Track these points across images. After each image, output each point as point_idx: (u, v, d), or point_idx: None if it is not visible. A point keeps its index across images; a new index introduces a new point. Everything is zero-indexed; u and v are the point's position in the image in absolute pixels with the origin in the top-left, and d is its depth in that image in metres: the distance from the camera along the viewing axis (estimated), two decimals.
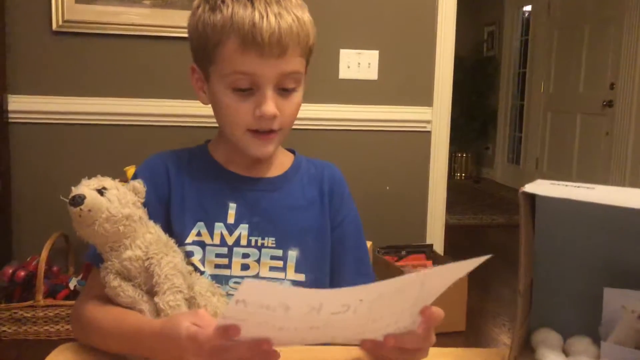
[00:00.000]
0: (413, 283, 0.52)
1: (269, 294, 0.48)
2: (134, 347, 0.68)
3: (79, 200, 0.67)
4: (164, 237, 0.75)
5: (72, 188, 0.69)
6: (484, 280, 2.88)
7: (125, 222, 0.70)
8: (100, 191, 0.69)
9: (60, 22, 2.08)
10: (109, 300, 0.73)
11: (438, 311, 0.59)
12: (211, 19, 0.76)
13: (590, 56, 4.38)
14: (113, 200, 0.70)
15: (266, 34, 0.73)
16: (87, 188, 0.69)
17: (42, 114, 2.13)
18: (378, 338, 0.57)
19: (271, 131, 0.79)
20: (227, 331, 0.52)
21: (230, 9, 0.75)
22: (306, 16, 0.79)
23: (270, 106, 0.76)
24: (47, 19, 2.08)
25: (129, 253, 0.71)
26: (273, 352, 0.54)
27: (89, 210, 0.68)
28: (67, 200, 0.68)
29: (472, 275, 2.49)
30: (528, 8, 5.57)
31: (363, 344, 0.59)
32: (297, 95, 0.81)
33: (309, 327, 0.52)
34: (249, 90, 0.77)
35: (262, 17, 0.73)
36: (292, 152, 0.92)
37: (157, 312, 0.69)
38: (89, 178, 0.72)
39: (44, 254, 1.94)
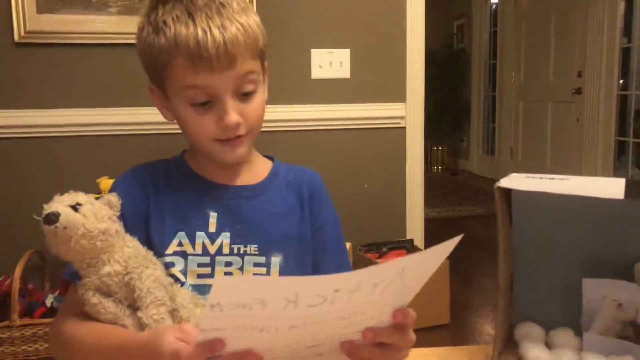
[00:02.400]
0: (391, 271, 0.50)
1: (242, 288, 0.46)
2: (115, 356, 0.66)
3: (53, 218, 0.65)
4: (143, 250, 0.74)
5: (44, 205, 0.67)
6: (466, 271, 2.91)
7: (102, 237, 0.68)
8: (75, 207, 0.67)
9: (22, 34, 2.02)
10: (88, 316, 0.71)
11: (411, 312, 0.57)
12: (156, 42, 0.75)
13: (558, 45, 4.45)
14: (88, 215, 0.68)
15: (212, 49, 0.72)
16: (60, 205, 0.67)
17: (8, 128, 2.07)
18: (359, 336, 0.56)
19: (238, 137, 0.79)
20: (213, 346, 0.50)
21: (172, 30, 0.74)
22: (251, 20, 0.77)
23: (232, 116, 0.76)
24: (8, 30, 2.02)
25: (107, 268, 0.69)
26: None
27: (65, 228, 0.66)
28: (41, 219, 0.66)
29: (454, 268, 2.49)
30: (495, 0, 5.64)
31: (342, 346, 0.57)
32: (259, 96, 0.80)
33: (290, 327, 0.50)
34: (209, 103, 0.76)
35: (206, 33, 0.73)
36: (271, 158, 0.92)
37: (141, 326, 0.68)
38: (61, 194, 0.70)
39: (18, 272, 1.89)
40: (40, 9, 2.03)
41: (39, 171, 2.09)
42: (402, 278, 0.52)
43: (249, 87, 0.78)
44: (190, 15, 0.74)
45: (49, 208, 0.66)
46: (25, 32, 2.02)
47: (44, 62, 2.08)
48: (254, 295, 0.46)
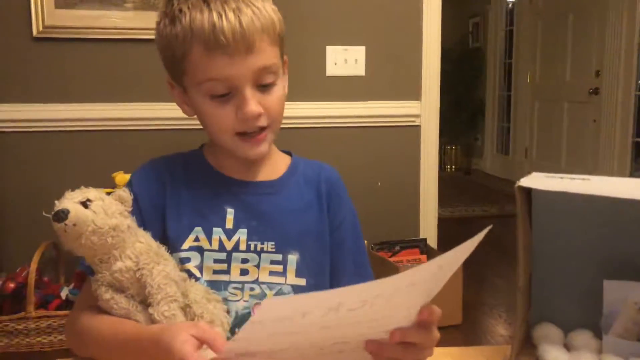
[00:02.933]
0: (429, 271, 0.51)
1: (289, 308, 0.47)
2: (134, 353, 0.66)
3: (62, 215, 0.65)
4: (155, 245, 0.73)
5: (56, 202, 0.67)
6: (478, 272, 2.89)
7: (113, 233, 0.68)
8: (85, 203, 0.67)
9: (40, 28, 2.04)
10: (104, 309, 0.71)
11: (437, 309, 0.57)
12: (172, 32, 0.74)
13: (575, 45, 4.39)
14: (98, 211, 0.67)
15: (228, 32, 0.71)
16: (70, 202, 0.67)
17: (26, 122, 2.09)
18: (385, 335, 0.56)
19: (260, 130, 0.78)
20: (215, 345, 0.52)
21: (188, 17, 0.73)
22: (267, 5, 0.76)
23: (252, 105, 0.75)
24: (27, 25, 2.04)
25: (119, 264, 0.69)
26: None
27: (74, 225, 0.65)
28: (51, 216, 0.66)
29: (467, 268, 2.48)
30: None
31: (368, 346, 0.57)
32: (279, 89, 0.79)
33: (320, 327, 0.51)
34: (227, 95, 0.75)
35: (221, 17, 0.72)
36: (289, 153, 0.91)
37: (153, 322, 0.68)
38: (77, 188, 0.70)
39: (34, 264, 1.91)
40: (59, 4, 2.05)
41: (55, 165, 2.11)
42: (436, 276, 0.52)
43: (269, 79, 0.76)
44: (205, 1, 0.73)
45: (59, 205, 0.66)
46: (44, 27, 2.04)
47: (61, 56, 2.09)
48: (298, 310, 0.47)
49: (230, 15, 0.72)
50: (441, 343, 0.64)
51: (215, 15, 0.72)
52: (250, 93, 0.75)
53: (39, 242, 1.99)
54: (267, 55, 0.75)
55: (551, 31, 4.72)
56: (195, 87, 0.77)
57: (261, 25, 0.73)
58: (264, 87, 0.76)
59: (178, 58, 0.76)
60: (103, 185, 1.77)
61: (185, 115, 0.84)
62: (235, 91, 0.75)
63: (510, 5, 5.64)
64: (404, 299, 0.51)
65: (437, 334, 0.59)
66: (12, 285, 1.95)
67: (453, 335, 2.22)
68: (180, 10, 0.74)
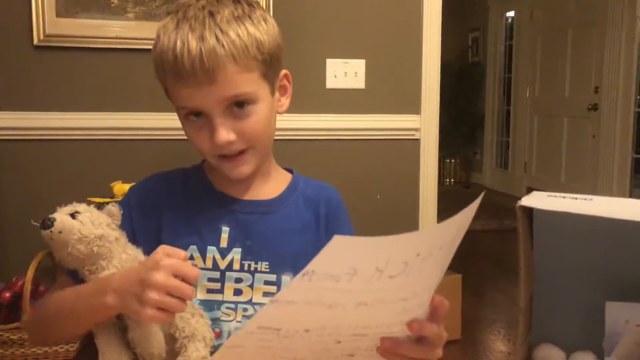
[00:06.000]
0: (450, 232, 0.52)
1: (344, 254, 0.47)
2: (74, 307, 0.68)
3: (48, 223, 0.67)
4: (142, 259, 0.73)
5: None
6: (478, 287, 2.87)
7: (99, 242, 0.69)
8: (73, 215, 0.69)
9: (41, 37, 2.04)
10: None
11: (445, 300, 0.58)
12: (153, 56, 0.74)
13: (575, 60, 4.41)
14: (85, 221, 0.69)
15: (188, 62, 0.68)
16: (59, 213, 0.70)
17: (26, 130, 2.08)
18: (401, 332, 0.56)
19: (239, 153, 0.76)
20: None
21: (160, 42, 0.72)
22: (244, 29, 0.70)
23: (221, 134, 0.72)
24: (28, 33, 2.04)
25: (105, 273, 0.70)
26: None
27: (60, 232, 0.67)
28: (38, 224, 0.69)
29: (466, 282, 2.44)
30: (511, 14, 5.62)
31: (383, 343, 0.56)
32: (258, 111, 0.74)
33: (357, 304, 0.51)
34: (203, 119, 0.74)
35: (183, 44, 0.68)
36: (290, 171, 0.89)
37: (132, 336, 0.69)
38: (75, 197, 0.73)
39: (30, 273, 1.89)
40: (60, 13, 2.05)
41: (54, 173, 2.10)
42: (452, 244, 0.53)
43: (242, 105, 0.73)
44: (177, 25, 0.70)
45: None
46: (45, 35, 2.04)
47: (62, 65, 2.09)
48: (350, 263, 0.47)
49: (192, 43, 0.68)
50: (440, 359, 0.63)
51: (178, 43, 0.69)
52: (219, 121, 0.72)
53: (36, 251, 1.98)
54: (236, 83, 0.71)
55: (551, 46, 4.75)
56: (176, 109, 0.77)
57: (225, 53, 0.69)
58: (240, 109, 0.73)
59: (161, 80, 0.76)
60: (102, 194, 1.76)
61: None
62: (207, 117, 0.73)
63: (510, 20, 5.67)
64: (432, 269, 0.52)
65: (445, 333, 0.59)
66: (7, 294, 1.93)
67: (452, 350, 2.20)
68: (158, 35, 0.73)
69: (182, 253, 0.62)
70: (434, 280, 0.54)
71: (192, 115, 0.73)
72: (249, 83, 0.72)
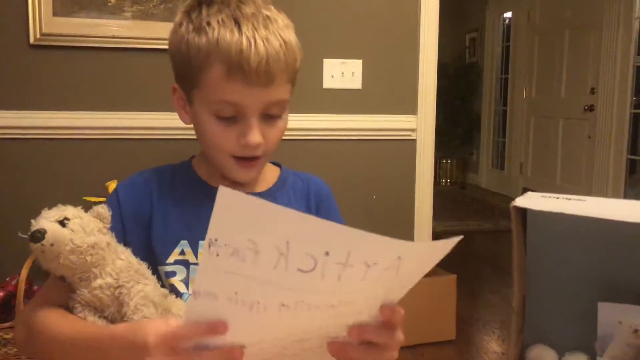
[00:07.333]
0: (386, 253, 0.48)
1: (245, 209, 0.46)
2: (90, 354, 0.64)
3: (39, 235, 0.64)
4: (135, 262, 0.72)
5: (32, 221, 0.66)
6: (472, 287, 2.88)
7: (92, 251, 0.67)
8: (62, 222, 0.66)
9: (38, 36, 2.04)
10: (65, 308, 0.70)
11: (399, 309, 0.55)
12: (195, 41, 0.72)
13: (571, 61, 4.43)
14: (76, 230, 0.66)
15: (254, 62, 0.69)
16: (46, 221, 0.66)
17: (22, 129, 2.08)
18: (349, 337, 0.55)
19: (255, 157, 0.77)
20: (215, 327, 0.48)
21: (216, 33, 0.71)
22: (293, 38, 0.75)
23: (255, 136, 0.74)
24: (24, 32, 2.03)
25: (99, 282, 0.68)
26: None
27: (52, 245, 0.64)
28: (27, 237, 0.64)
29: (461, 283, 2.45)
30: (509, 15, 5.63)
31: (330, 347, 0.56)
32: (282, 121, 0.78)
33: (280, 305, 0.49)
34: (233, 118, 0.74)
35: (250, 44, 0.70)
36: (278, 165, 0.90)
37: None
38: (69, 196, 0.70)
39: (24, 273, 1.89)
40: (56, 12, 2.04)
41: (49, 172, 2.10)
42: (398, 270, 0.49)
43: (276, 111, 0.76)
44: (237, 22, 0.71)
45: (36, 224, 0.65)
46: (41, 34, 2.03)
47: (59, 64, 2.09)
48: (246, 228, 0.45)
49: (260, 43, 0.70)
50: (434, 358, 0.63)
51: (244, 41, 0.70)
52: (255, 122, 0.74)
53: (30, 251, 1.97)
54: (282, 90, 0.75)
55: (547, 47, 4.76)
56: (203, 102, 0.75)
57: (285, 60, 0.72)
58: (269, 118, 0.76)
59: (194, 69, 0.73)
60: (96, 193, 1.76)
61: (182, 125, 0.83)
62: (242, 117, 0.74)
63: (507, 21, 5.69)
64: (360, 284, 0.49)
65: (401, 336, 0.57)
66: (1, 293, 1.93)
67: (446, 350, 2.21)
68: (209, 24, 0.72)
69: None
70: (378, 296, 0.52)
71: (223, 118, 0.74)
72: (287, 92, 0.76)
